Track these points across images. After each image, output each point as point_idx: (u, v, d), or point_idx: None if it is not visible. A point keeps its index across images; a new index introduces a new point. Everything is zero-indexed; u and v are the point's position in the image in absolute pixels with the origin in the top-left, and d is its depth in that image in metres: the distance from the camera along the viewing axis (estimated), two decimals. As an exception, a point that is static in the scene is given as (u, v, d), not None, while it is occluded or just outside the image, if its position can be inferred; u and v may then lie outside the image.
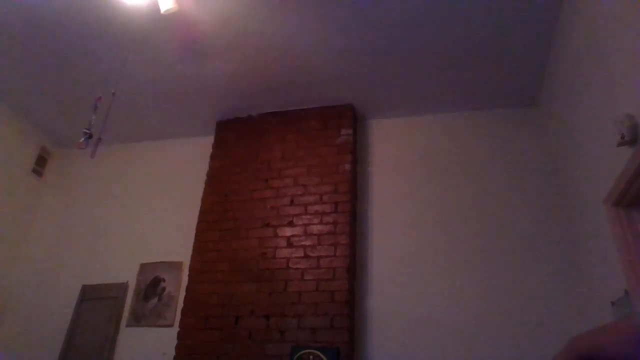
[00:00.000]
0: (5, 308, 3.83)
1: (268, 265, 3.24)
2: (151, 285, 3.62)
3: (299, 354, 2.85)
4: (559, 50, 2.91)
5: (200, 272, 3.37)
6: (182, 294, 3.39)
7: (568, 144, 2.94)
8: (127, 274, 3.72)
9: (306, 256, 3.20)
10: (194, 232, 3.56)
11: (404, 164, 3.63)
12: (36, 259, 4.05)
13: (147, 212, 3.99)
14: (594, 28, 2.31)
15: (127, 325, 3.54)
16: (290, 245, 3.27)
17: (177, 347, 3.15)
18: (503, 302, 2.98)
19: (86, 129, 2.70)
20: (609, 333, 0.81)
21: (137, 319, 3.54)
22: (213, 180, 3.73)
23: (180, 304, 3.36)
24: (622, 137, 1.91)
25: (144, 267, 3.71)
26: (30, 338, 3.67)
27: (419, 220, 3.38)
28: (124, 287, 3.67)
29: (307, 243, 3.24)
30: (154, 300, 3.57)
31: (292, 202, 3.43)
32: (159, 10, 2.71)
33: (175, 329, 3.27)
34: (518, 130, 3.53)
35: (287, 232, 3.32)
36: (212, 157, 3.86)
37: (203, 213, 3.61)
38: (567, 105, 2.87)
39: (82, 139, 2.68)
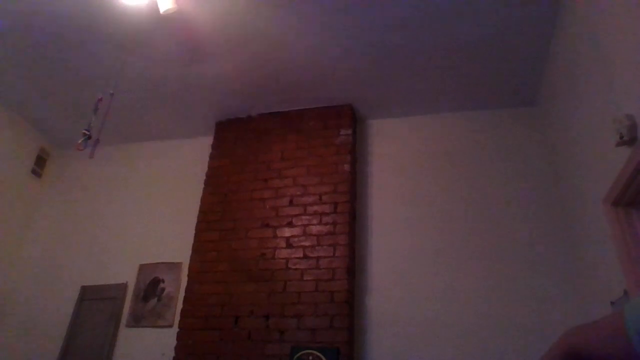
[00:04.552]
0: (5, 308, 3.83)
1: (267, 266, 3.24)
2: (150, 286, 3.62)
3: (298, 354, 2.85)
4: (558, 50, 2.91)
5: (199, 272, 3.37)
6: (182, 294, 3.39)
7: (567, 143, 2.94)
8: (126, 274, 3.71)
9: (305, 256, 3.20)
10: (193, 232, 3.56)
11: (403, 164, 3.63)
12: (36, 259, 4.05)
13: (147, 213, 3.99)
14: (594, 28, 2.31)
15: (127, 326, 3.54)
16: (289, 245, 3.27)
17: (176, 348, 3.15)
18: (502, 302, 2.98)
19: (85, 130, 2.70)
20: (596, 330, 0.81)
21: (137, 320, 3.53)
22: (212, 181, 3.73)
23: (179, 305, 3.36)
24: (621, 137, 1.92)
25: (143, 268, 3.71)
26: (30, 338, 3.67)
27: (419, 220, 3.38)
28: (123, 287, 3.67)
29: (307, 243, 3.24)
30: (154, 301, 3.57)
31: (291, 202, 3.43)
32: (158, 10, 2.72)
33: (175, 329, 3.27)
34: (517, 130, 3.53)
35: (287, 232, 3.32)
36: (212, 157, 3.86)
37: (202, 213, 3.61)
38: (567, 105, 2.87)
39: (81, 140, 2.68)
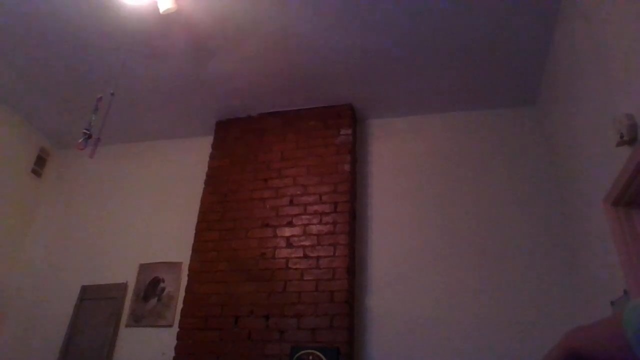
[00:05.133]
0: (5, 308, 3.83)
1: (267, 266, 3.23)
2: (150, 286, 3.62)
3: (298, 354, 2.84)
4: (558, 49, 2.91)
5: (199, 272, 3.37)
6: (182, 294, 3.39)
7: (567, 143, 2.94)
8: (126, 274, 3.71)
9: (305, 256, 3.20)
10: (193, 232, 3.56)
11: (403, 164, 3.63)
12: (36, 259, 4.05)
13: (147, 212, 3.99)
14: (594, 28, 2.31)
15: (127, 326, 3.54)
16: (289, 245, 3.27)
17: (176, 347, 3.15)
18: (502, 301, 2.98)
19: (85, 129, 2.70)
20: (596, 331, 0.81)
21: (137, 319, 3.53)
22: (212, 180, 3.73)
23: (179, 304, 3.36)
24: (621, 137, 1.92)
25: (143, 268, 3.71)
26: (30, 338, 3.67)
27: (419, 219, 3.38)
28: (123, 287, 3.67)
29: (307, 243, 3.24)
30: (154, 301, 3.57)
31: (291, 202, 3.43)
32: (158, 10, 2.72)
33: (175, 329, 3.27)
34: (517, 130, 3.53)
35: (287, 232, 3.32)
36: (212, 157, 3.86)
37: (202, 213, 3.61)
38: (567, 105, 2.87)
39: (82, 139, 2.68)
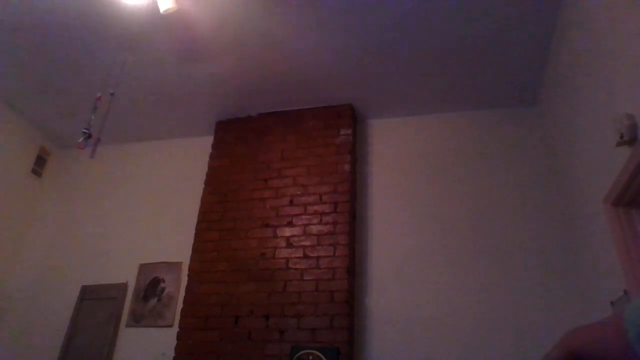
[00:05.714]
0: (5, 308, 3.83)
1: (267, 266, 3.24)
2: (150, 286, 3.62)
3: (298, 354, 2.84)
4: (559, 50, 2.91)
5: (199, 272, 3.37)
6: (182, 294, 3.39)
7: (567, 143, 2.94)
8: (126, 274, 3.72)
9: (306, 256, 3.20)
10: (193, 232, 3.56)
11: (403, 164, 3.63)
12: (36, 259, 4.05)
13: (147, 212, 3.99)
14: (594, 28, 2.31)
15: (127, 326, 3.54)
16: (289, 245, 3.27)
17: (176, 347, 3.15)
18: (502, 302, 2.98)
19: (85, 129, 2.71)
20: (597, 331, 0.81)
21: (137, 319, 3.54)
22: (212, 181, 3.73)
23: (179, 304, 3.36)
24: (621, 137, 1.92)
25: (143, 268, 3.71)
26: (30, 338, 3.67)
27: (419, 220, 3.38)
28: (123, 287, 3.67)
29: (307, 243, 3.24)
30: (154, 301, 3.57)
31: (291, 202, 3.43)
32: (158, 10, 2.72)
33: (175, 329, 3.27)
34: (517, 130, 3.53)
35: (287, 232, 3.32)
36: (212, 157, 3.86)
37: (202, 213, 3.61)
38: (567, 105, 2.87)
39: (81, 139, 2.69)
